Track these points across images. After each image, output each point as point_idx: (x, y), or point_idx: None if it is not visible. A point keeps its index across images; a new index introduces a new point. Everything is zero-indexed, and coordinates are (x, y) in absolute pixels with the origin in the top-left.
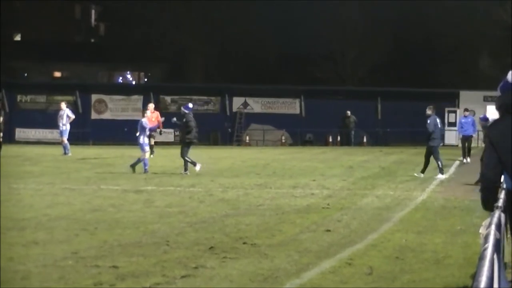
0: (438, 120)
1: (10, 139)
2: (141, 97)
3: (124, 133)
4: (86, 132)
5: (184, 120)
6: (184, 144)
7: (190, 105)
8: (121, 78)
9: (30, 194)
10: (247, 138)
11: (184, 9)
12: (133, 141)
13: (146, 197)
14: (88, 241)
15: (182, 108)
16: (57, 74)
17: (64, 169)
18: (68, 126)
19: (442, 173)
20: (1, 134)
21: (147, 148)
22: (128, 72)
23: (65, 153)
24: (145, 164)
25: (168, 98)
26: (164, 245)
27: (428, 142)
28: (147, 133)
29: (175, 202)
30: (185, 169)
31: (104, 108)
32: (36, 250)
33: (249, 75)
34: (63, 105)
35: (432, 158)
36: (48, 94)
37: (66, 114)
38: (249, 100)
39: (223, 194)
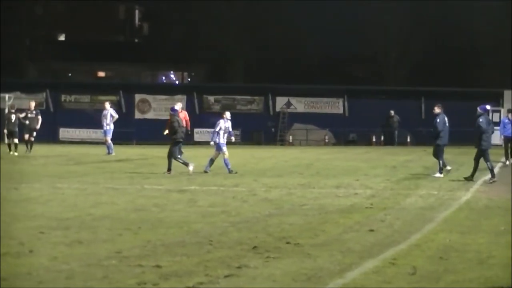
0: (446, 119)
1: (54, 138)
2: (185, 96)
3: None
4: (130, 131)
5: (171, 120)
6: (172, 144)
7: (176, 106)
8: (164, 78)
9: (74, 194)
10: (290, 137)
11: (226, 9)
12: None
13: (189, 197)
14: (131, 241)
15: (170, 110)
16: (101, 74)
17: (107, 168)
18: (112, 126)
19: (441, 173)
20: (34, 134)
21: (225, 148)
22: (172, 72)
23: (108, 153)
24: (211, 162)
25: (211, 98)
26: (207, 244)
27: (435, 141)
28: (222, 133)
29: (218, 201)
30: (168, 169)
31: (147, 108)
32: (80, 250)
33: (291, 75)
34: (107, 105)
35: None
36: (92, 94)
37: (110, 114)
38: (292, 100)
39: (266, 194)
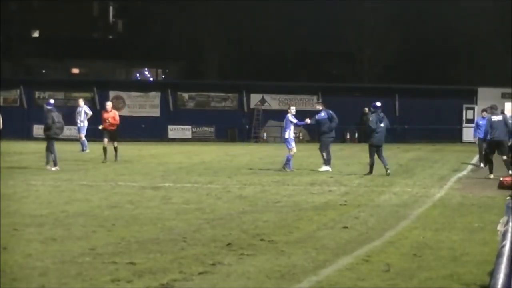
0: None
1: (28, 135)
2: (159, 93)
3: (141, 129)
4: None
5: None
6: (47, 139)
7: (52, 101)
8: (138, 75)
9: (48, 191)
10: (265, 134)
11: (201, 5)
12: (151, 138)
13: (164, 194)
14: (105, 238)
15: (45, 105)
16: (75, 71)
17: (82, 165)
18: (86, 123)
19: (328, 165)
20: None
21: (293, 144)
22: (146, 69)
23: (83, 150)
24: (288, 160)
25: (186, 95)
26: (181, 241)
27: (322, 136)
28: (292, 128)
29: (192, 198)
30: (54, 164)
31: (122, 105)
32: (54, 247)
33: (266, 72)
34: (81, 102)
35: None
36: (66, 91)
37: (84, 111)
38: (267, 97)
39: (241, 191)
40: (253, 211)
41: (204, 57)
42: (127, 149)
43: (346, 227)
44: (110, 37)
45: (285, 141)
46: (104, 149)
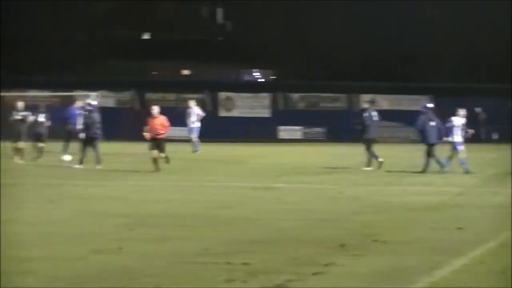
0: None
1: (137, 138)
2: (269, 94)
3: (252, 130)
4: (215, 129)
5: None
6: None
7: (92, 102)
8: (249, 75)
9: (161, 191)
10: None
11: (318, 7)
12: (261, 138)
13: (277, 194)
14: (219, 238)
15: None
16: (186, 72)
17: (193, 166)
18: (198, 124)
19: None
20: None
21: (460, 147)
22: (256, 70)
23: (194, 151)
24: (447, 160)
25: (296, 96)
26: (295, 242)
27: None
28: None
29: (304, 199)
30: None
31: (232, 106)
32: (167, 247)
33: (374, 72)
34: (192, 103)
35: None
36: (177, 92)
37: (195, 112)
38: (377, 97)
39: (352, 192)
40: (366, 212)
41: (314, 58)
42: (237, 150)
43: (460, 228)
44: (220, 38)
45: (453, 144)
46: (154, 160)
